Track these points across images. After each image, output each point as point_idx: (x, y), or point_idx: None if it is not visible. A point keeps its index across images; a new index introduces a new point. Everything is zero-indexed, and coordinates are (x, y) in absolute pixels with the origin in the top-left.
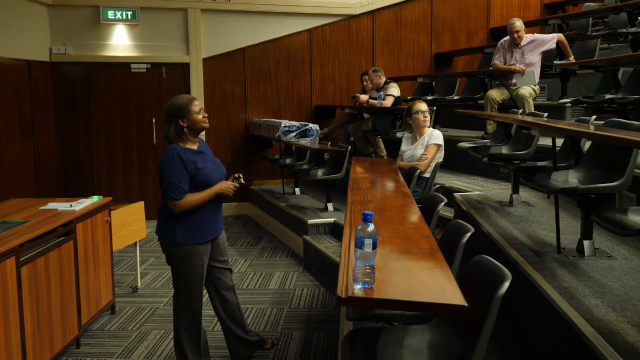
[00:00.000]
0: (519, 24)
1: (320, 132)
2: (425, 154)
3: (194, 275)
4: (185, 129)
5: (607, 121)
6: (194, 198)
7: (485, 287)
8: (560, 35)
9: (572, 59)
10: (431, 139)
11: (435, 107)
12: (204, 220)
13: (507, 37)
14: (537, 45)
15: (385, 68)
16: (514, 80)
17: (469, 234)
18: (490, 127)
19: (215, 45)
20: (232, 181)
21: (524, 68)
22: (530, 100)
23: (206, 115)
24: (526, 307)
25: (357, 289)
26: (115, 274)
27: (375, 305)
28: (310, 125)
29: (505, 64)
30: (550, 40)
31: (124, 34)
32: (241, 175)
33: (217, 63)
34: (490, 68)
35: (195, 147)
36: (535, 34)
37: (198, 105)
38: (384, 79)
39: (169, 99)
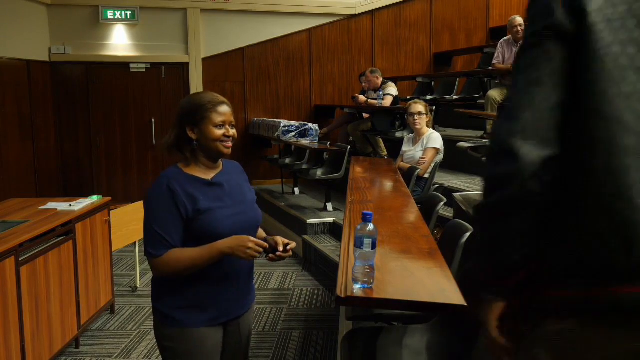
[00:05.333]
0: (520, 19)
1: (319, 131)
2: (424, 158)
3: None
4: (195, 143)
5: None
6: (181, 256)
7: None
8: None
9: None
10: (429, 142)
11: (434, 107)
12: (209, 293)
13: (507, 37)
14: None
15: (384, 68)
16: None
17: (468, 234)
18: (490, 126)
19: (215, 45)
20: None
21: None
22: None
23: (231, 134)
24: None
25: (357, 288)
26: (115, 274)
27: (374, 305)
28: (310, 125)
29: (504, 62)
30: None
31: (123, 33)
32: (289, 243)
33: (216, 63)
34: (490, 68)
35: (209, 175)
36: None
37: (223, 114)
38: (381, 79)
39: (187, 96)
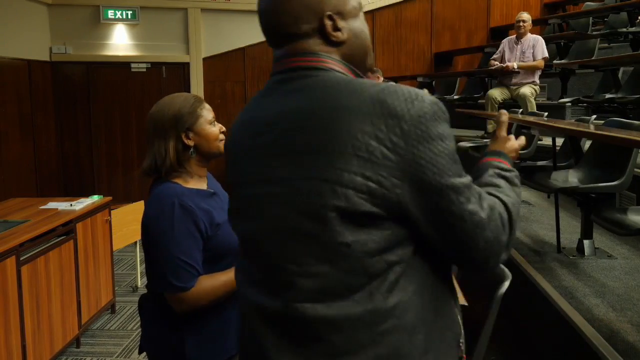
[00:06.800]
0: (526, 15)
1: None
2: None
3: None
4: (192, 151)
5: (607, 121)
6: (215, 282)
7: (485, 287)
8: (542, 62)
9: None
10: None
11: None
12: (230, 320)
13: (511, 36)
14: (535, 45)
15: (385, 68)
16: (513, 80)
17: None
18: (491, 126)
19: (215, 45)
20: None
21: (515, 66)
22: (533, 100)
23: (224, 129)
24: (526, 306)
25: None
26: (115, 273)
27: None
28: None
29: (502, 61)
30: (543, 52)
31: (124, 33)
32: None
33: (217, 63)
34: (490, 68)
35: (203, 185)
36: (538, 36)
37: (211, 109)
38: (382, 79)
39: (158, 105)
